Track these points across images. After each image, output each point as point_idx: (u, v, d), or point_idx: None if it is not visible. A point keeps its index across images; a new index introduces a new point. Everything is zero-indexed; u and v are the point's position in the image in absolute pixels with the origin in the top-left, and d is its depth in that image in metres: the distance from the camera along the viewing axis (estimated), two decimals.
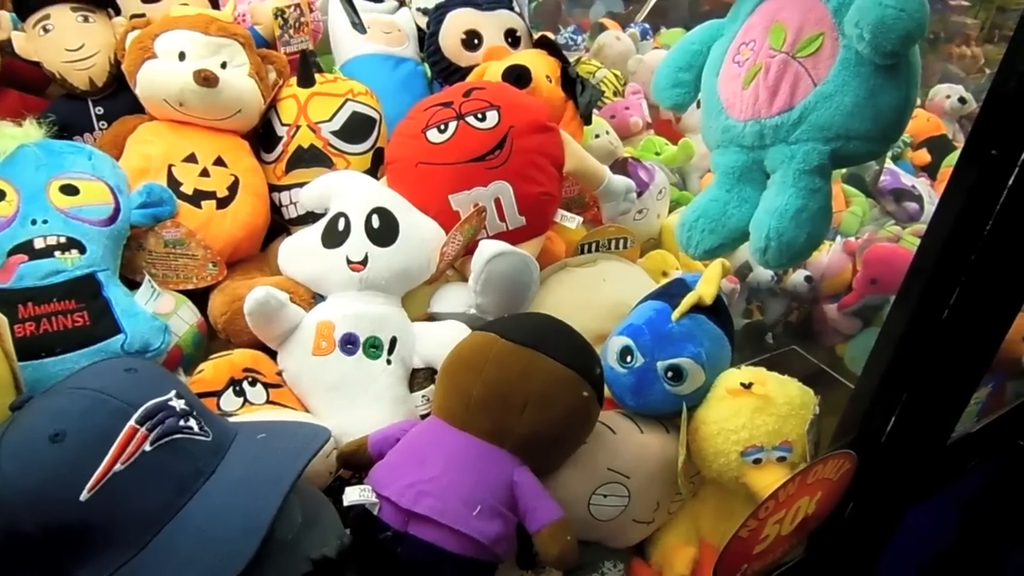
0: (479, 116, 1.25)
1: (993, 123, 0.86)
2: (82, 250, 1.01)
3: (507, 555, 0.90)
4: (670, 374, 1.04)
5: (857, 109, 0.93)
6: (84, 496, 0.72)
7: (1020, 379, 1.62)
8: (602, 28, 2.56)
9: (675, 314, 1.07)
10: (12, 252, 0.97)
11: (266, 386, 1.06)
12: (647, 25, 2.64)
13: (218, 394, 1.02)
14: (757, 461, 1.01)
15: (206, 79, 1.19)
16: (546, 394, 0.91)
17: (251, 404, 1.04)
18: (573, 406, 0.93)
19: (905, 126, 0.96)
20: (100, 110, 1.30)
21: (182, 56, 1.24)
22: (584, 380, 0.94)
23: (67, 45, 1.27)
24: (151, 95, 1.24)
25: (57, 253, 0.99)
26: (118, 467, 0.74)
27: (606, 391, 1.06)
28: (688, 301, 1.08)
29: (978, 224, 0.91)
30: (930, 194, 2.11)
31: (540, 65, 1.47)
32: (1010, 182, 0.87)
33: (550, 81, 1.47)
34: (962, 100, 2.60)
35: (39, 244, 0.99)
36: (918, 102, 2.65)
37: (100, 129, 1.30)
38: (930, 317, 0.98)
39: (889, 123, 0.94)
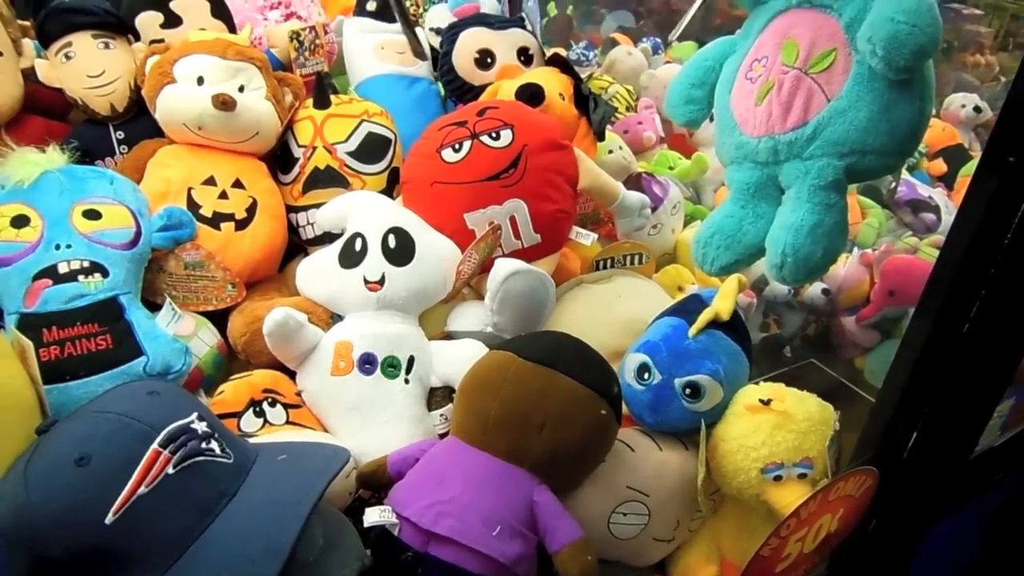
0: (493, 135, 1.26)
1: (1011, 131, 0.85)
2: (105, 274, 1.02)
3: (527, 575, 0.89)
4: (688, 391, 1.04)
5: (871, 124, 0.93)
6: (109, 519, 0.73)
7: None
8: (613, 43, 2.58)
9: (692, 330, 1.07)
10: (37, 277, 0.99)
11: (286, 407, 1.07)
12: (658, 40, 2.64)
13: (239, 415, 1.03)
14: (778, 478, 1.00)
15: (224, 103, 1.21)
16: (564, 413, 0.91)
17: (271, 425, 1.04)
18: (591, 424, 0.93)
19: (920, 140, 0.96)
20: (121, 135, 1.32)
21: (200, 81, 1.26)
22: (602, 398, 0.94)
23: (88, 72, 1.29)
24: (170, 119, 1.26)
25: (80, 277, 1.00)
26: (142, 490, 0.75)
27: (624, 409, 1.06)
28: (705, 317, 1.07)
29: (998, 234, 0.91)
30: (947, 204, 2.10)
31: (553, 83, 1.48)
32: None
33: (563, 99, 1.48)
34: (977, 109, 2.59)
35: (63, 268, 1.00)
36: (933, 111, 2.64)
37: (121, 153, 1.32)
38: (951, 329, 0.97)
39: (904, 137, 0.93)
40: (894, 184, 2.03)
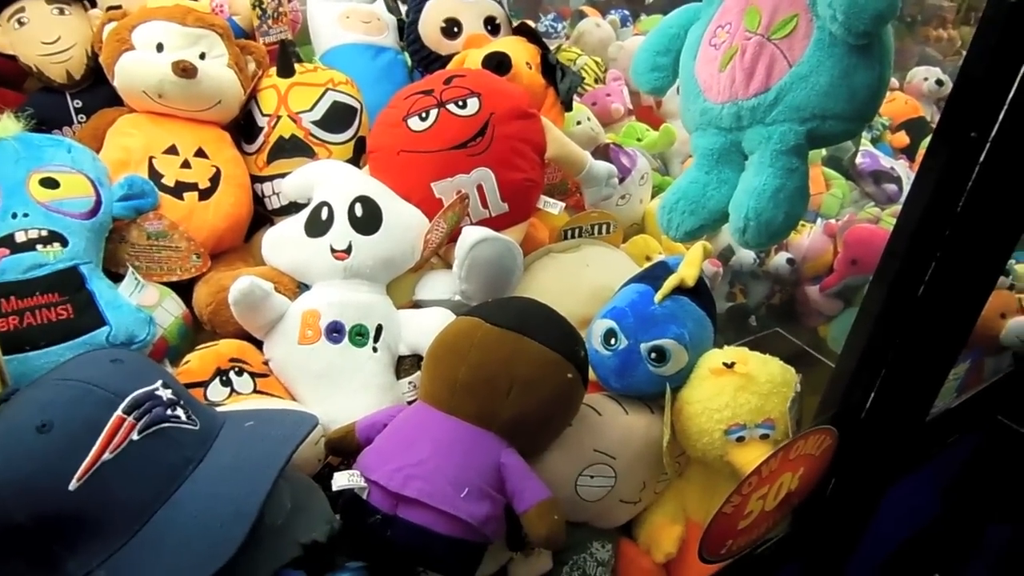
0: (460, 103, 1.25)
1: (965, 104, 0.88)
2: (64, 243, 1.00)
3: (496, 536, 0.91)
4: (654, 355, 1.05)
5: (832, 89, 0.94)
6: (73, 486, 0.73)
7: (998, 355, 1.65)
8: (582, 15, 2.57)
9: (658, 296, 1.08)
10: None
11: (253, 376, 1.07)
12: (627, 12, 2.64)
13: (205, 384, 1.02)
14: (740, 439, 1.03)
15: (185, 70, 1.19)
16: (531, 377, 0.92)
17: (238, 394, 1.04)
18: (558, 388, 0.94)
19: (879, 105, 0.98)
20: (78, 103, 1.29)
21: (160, 48, 1.23)
22: (569, 362, 0.95)
23: (43, 38, 1.26)
24: (130, 87, 1.23)
25: (39, 246, 0.98)
26: (106, 456, 0.75)
27: (591, 374, 1.07)
28: (670, 283, 1.09)
29: (951, 202, 0.93)
30: (909, 176, 2.14)
31: (520, 52, 1.48)
32: (981, 159, 0.89)
33: (530, 68, 1.48)
34: (939, 82, 2.63)
35: (20, 238, 0.98)
36: (896, 84, 2.68)
37: (79, 122, 1.29)
38: (906, 294, 1.00)
39: (864, 102, 0.95)
40: (855, 153, 2.07)
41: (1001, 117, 0.87)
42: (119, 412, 0.77)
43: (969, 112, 0.87)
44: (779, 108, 0.98)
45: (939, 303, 1.01)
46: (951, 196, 0.93)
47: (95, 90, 1.31)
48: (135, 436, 0.77)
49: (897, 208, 1.95)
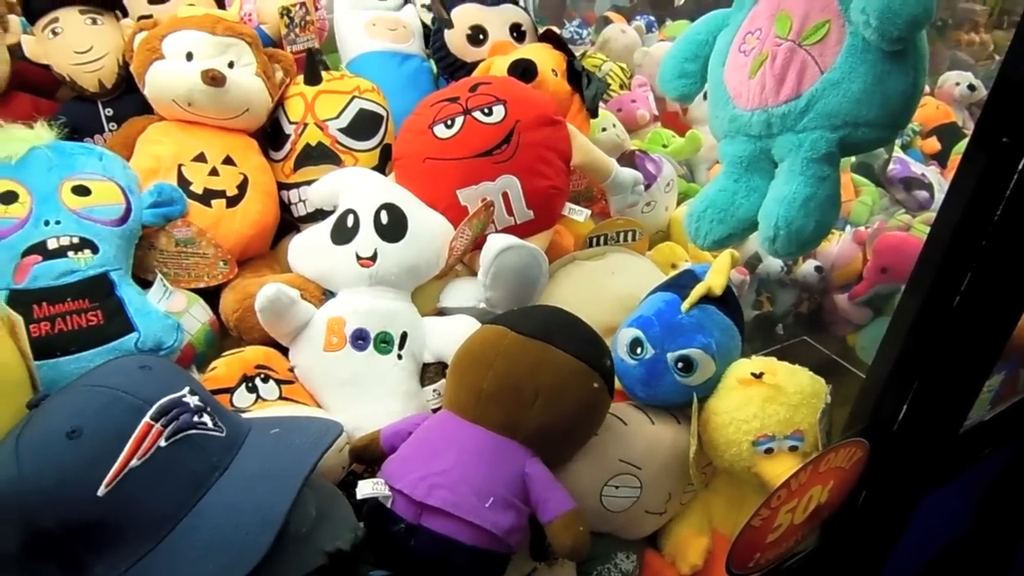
0: (485, 111, 1.25)
1: (1002, 110, 0.85)
2: (95, 250, 1.02)
3: (520, 546, 0.90)
4: (680, 365, 1.04)
5: (865, 96, 0.92)
6: (101, 492, 0.73)
7: None
8: (607, 21, 2.56)
9: (685, 305, 1.07)
10: (26, 253, 0.98)
11: (278, 382, 1.07)
12: (652, 17, 2.63)
13: (231, 391, 1.03)
14: (769, 451, 1.01)
15: (214, 79, 1.20)
16: (557, 386, 0.91)
17: (264, 400, 1.04)
18: (584, 398, 0.93)
19: (913, 112, 0.96)
20: (110, 112, 1.31)
21: (189, 56, 1.24)
22: (595, 372, 0.94)
23: (76, 48, 1.28)
24: (160, 96, 1.25)
25: (70, 253, 1.00)
26: (134, 463, 0.75)
27: (616, 383, 1.06)
28: (697, 292, 1.08)
29: (988, 211, 0.91)
30: (940, 182, 2.10)
31: (545, 59, 1.47)
32: (1020, 167, 0.87)
33: (556, 75, 1.48)
34: (971, 87, 2.58)
35: (52, 245, 1.00)
36: (927, 89, 2.64)
37: (110, 130, 1.31)
38: (941, 305, 0.98)
39: (897, 109, 0.93)
40: (887, 159, 2.03)
41: None
42: (147, 419, 0.78)
43: (1006, 117, 0.85)
44: (810, 115, 0.96)
45: (974, 314, 0.99)
46: (988, 204, 0.91)
47: (126, 98, 1.33)
48: (162, 443, 0.78)
49: (928, 215, 1.92)
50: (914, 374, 1.02)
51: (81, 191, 1.05)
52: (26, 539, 0.72)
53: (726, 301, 1.11)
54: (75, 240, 1.01)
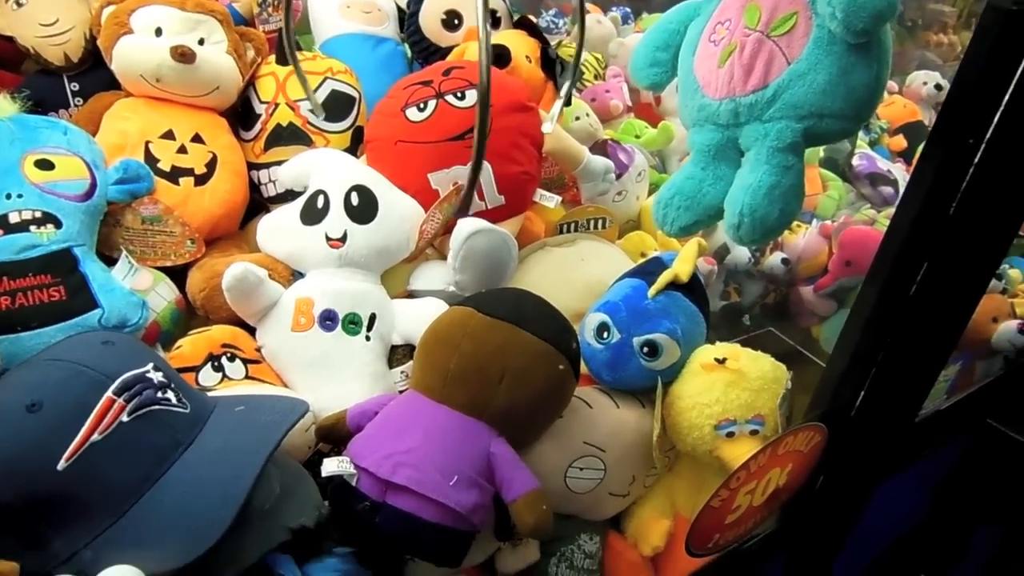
0: (458, 95, 1.25)
1: (961, 109, 0.88)
2: (58, 225, 1.00)
3: (483, 525, 0.91)
4: (646, 349, 1.06)
5: (830, 87, 0.94)
6: (61, 465, 0.73)
7: (989, 359, 1.66)
8: None
9: (651, 291, 1.09)
10: None
11: (245, 362, 1.07)
12: (628, 9, 2.64)
13: (197, 369, 1.02)
14: (730, 434, 1.03)
15: (183, 55, 1.19)
16: (523, 367, 0.92)
17: (230, 379, 1.04)
18: (550, 380, 0.94)
19: (877, 105, 0.98)
20: (75, 86, 1.29)
21: (159, 32, 1.23)
22: (561, 354, 0.95)
23: (41, 20, 1.26)
24: (127, 71, 1.23)
25: (32, 228, 0.98)
26: (95, 437, 0.75)
27: (583, 367, 1.08)
28: (664, 278, 1.09)
29: (944, 205, 0.94)
30: (905, 178, 2.14)
31: (520, 45, 1.48)
32: (975, 163, 0.89)
33: (530, 61, 1.48)
34: (938, 87, 2.63)
35: (14, 218, 0.97)
36: (896, 88, 2.68)
37: (76, 105, 1.29)
38: (898, 295, 1.00)
39: (861, 101, 0.95)
40: (851, 151, 2.07)
41: (995, 122, 0.87)
42: (109, 393, 0.77)
43: (964, 117, 0.88)
44: (777, 105, 0.98)
45: (930, 305, 1.01)
46: (944, 199, 0.93)
47: (92, 73, 1.30)
48: (125, 418, 0.78)
49: (892, 211, 1.96)
50: (871, 362, 1.05)
51: (44, 165, 1.03)
52: None
53: (692, 288, 1.13)
54: (37, 214, 0.99)
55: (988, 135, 0.88)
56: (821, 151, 2.12)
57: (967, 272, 1.04)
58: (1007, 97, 0.85)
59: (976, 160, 0.90)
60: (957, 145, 0.90)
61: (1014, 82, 0.84)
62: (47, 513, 0.74)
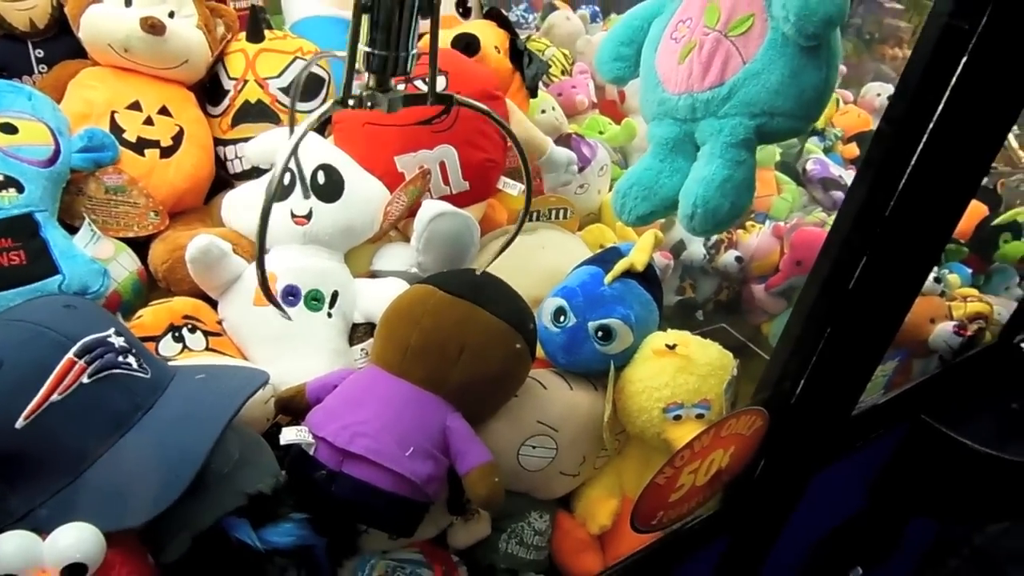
0: (427, 81, 1.27)
1: (900, 113, 0.93)
2: (20, 189, 1.00)
3: (437, 496, 0.94)
4: (600, 334, 1.09)
5: (782, 87, 0.98)
6: (19, 424, 0.74)
7: (926, 358, 1.73)
8: (553, 8, 2.60)
9: (608, 278, 1.12)
10: None
11: (206, 334, 1.08)
12: (597, 8, 2.68)
13: (157, 339, 1.03)
14: (677, 417, 1.07)
15: (153, 26, 1.19)
16: (481, 344, 0.95)
17: (190, 350, 1.05)
18: (506, 357, 0.98)
19: (825, 106, 1.02)
20: (40, 53, 1.28)
21: (128, 2, 1.22)
22: (518, 333, 0.98)
23: None
24: (95, 40, 1.22)
25: None
26: (55, 397, 0.76)
27: (539, 351, 1.11)
28: (621, 266, 1.13)
29: (881, 205, 0.99)
30: None
31: (489, 35, 1.50)
32: (909, 168, 0.95)
33: (498, 52, 1.51)
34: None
35: None
36: (851, 98, 2.76)
37: (40, 72, 1.27)
38: (837, 289, 1.05)
39: (810, 102, 0.99)
40: (800, 150, 2.14)
41: (930, 127, 0.92)
42: (70, 355, 0.78)
43: (903, 121, 0.93)
44: (731, 102, 1.02)
45: (868, 299, 1.07)
46: (882, 200, 0.98)
47: (58, 40, 1.29)
48: (85, 379, 0.78)
49: None
50: (812, 351, 1.10)
51: (8, 129, 1.03)
52: None
53: (647, 277, 1.17)
54: (0, 178, 0.99)
55: (923, 139, 0.93)
56: (777, 155, 2.19)
57: (903, 269, 1.10)
58: (941, 105, 0.90)
59: (912, 164, 0.96)
60: (895, 149, 0.95)
61: (947, 94, 0.89)
62: (3, 471, 0.74)
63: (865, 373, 1.24)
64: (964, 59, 0.86)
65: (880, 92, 2.73)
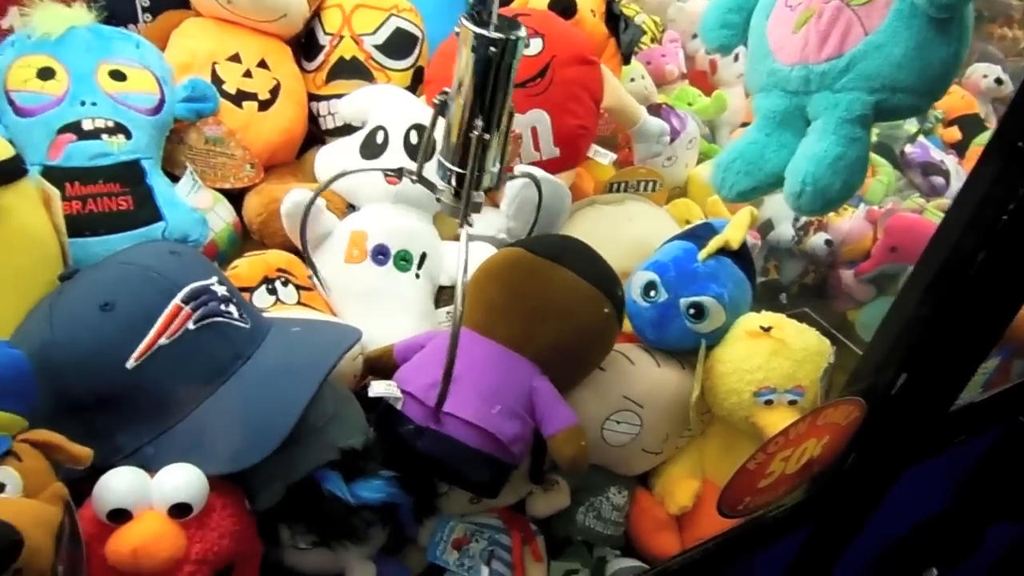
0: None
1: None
2: (128, 136, 1.02)
3: (522, 457, 0.93)
4: (692, 311, 1.06)
5: (906, 61, 0.92)
6: (130, 365, 0.76)
7: None
8: None
9: (701, 254, 1.09)
10: (61, 131, 0.98)
11: (298, 288, 1.09)
12: None
13: (251, 290, 1.04)
14: (768, 402, 1.04)
15: None
16: (568, 306, 0.94)
17: (282, 303, 1.06)
18: (594, 322, 0.96)
19: (950, 83, 0.96)
20: (146, 2, 1.29)
21: None
22: (606, 298, 0.96)
23: None
24: None
25: (104, 136, 1.00)
26: (163, 341, 0.78)
27: (627, 325, 1.09)
28: (716, 243, 1.09)
29: (1004, 202, 0.92)
30: (957, 171, 2.10)
31: None
32: None
33: (594, 15, 1.47)
34: (999, 81, 2.56)
35: (87, 126, 1.00)
36: (966, 58, 2.62)
37: (144, 21, 1.29)
38: (951, 281, 0.99)
39: (936, 78, 0.94)
40: (915, 135, 2.04)
41: None
42: (177, 300, 0.80)
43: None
44: (849, 75, 0.97)
45: (982, 293, 1.00)
46: (1004, 195, 0.92)
47: None
48: (191, 325, 0.80)
49: (941, 201, 1.93)
50: (917, 342, 1.05)
51: (118, 76, 1.05)
52: (55, 401, 0.74)
53: (741, 256, 1.13)
54: (110, 124, 1.01)
55: None
56: (875, 136, 2.09)
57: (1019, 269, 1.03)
58: None
59: None
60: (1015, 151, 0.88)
61: None
62: (113, 409, 0.77)
63: (970, 368, 1.18)
64: None
65: (987, 74, 2.57)
